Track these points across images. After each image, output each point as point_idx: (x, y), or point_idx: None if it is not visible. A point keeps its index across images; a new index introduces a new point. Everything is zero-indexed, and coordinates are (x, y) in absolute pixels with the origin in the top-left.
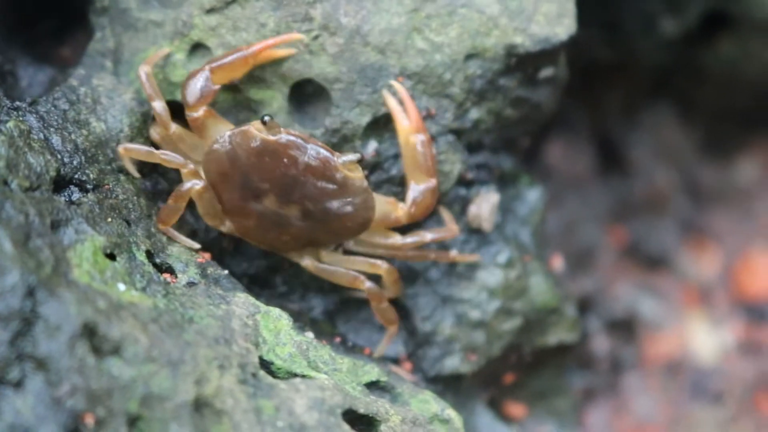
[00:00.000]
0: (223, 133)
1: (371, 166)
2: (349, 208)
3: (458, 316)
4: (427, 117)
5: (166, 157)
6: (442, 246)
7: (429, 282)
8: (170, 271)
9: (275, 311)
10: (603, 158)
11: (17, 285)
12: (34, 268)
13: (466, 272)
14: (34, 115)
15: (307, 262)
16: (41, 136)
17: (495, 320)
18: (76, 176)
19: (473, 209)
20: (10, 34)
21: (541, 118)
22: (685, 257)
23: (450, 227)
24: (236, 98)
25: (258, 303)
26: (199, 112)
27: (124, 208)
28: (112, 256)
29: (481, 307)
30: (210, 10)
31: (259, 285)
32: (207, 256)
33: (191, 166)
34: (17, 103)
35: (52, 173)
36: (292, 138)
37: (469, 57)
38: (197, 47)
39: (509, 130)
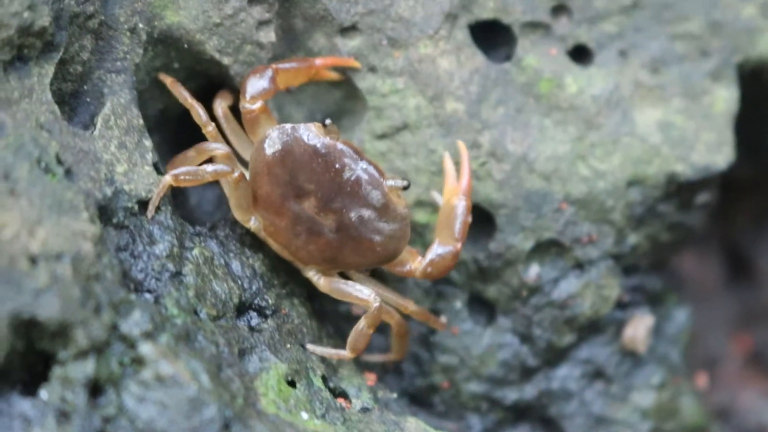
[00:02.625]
0: (283, 125)
1: (532, 290)
2: (383, 233)
3: None
4: (589, 242)
5: (215, 170)
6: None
7: (584, 403)
8: (344, 395)
9: None
10: (731, 267)
11: (215, 418)
12: (229, 400)
13: (620, 393)
14: (215, 240)
15: (321, 280)
16: (222, 261)
17: None
18: (256, 301)
19: (629, 332)
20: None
21: (691, 239)
22: None
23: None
24: None
25: (428, 428)
26: (256, 105)
27: (299, 332)
28: (292, 383)
29: (634, 428)
30: (381, 136)
31: (418, 404)
32: (373, 377)
33: (236, 173)
34: (198, 228)
35: (235, 300)
36: (348, 148)
37: (631, 184)
38: None
39: (662, 253)
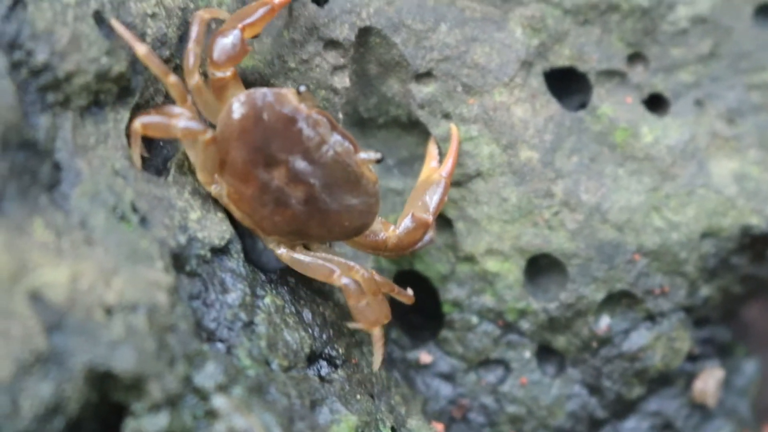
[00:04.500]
0: (257, 88)
1: (602, 342)
2: (353, 207)
3: None
4: (661, 294)
5: (186, 127)
6: None
7: None
8: None
9: None
10: None
11: None
12: None
13: None
14: (286, 287)
15: (283, 251)
16: (293, 309)
17: None
18: (326, 351)
19: (699, 385)
20: None
21: (762, 290)
22: None
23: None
24: (473, 269)
25: None
26: (227, 73)
27: (369, 382)
28: None
29: None
30: (454, 183)
31: None
32: (441, 427)
33: (210, 134)
34: (269, 275)
35: (306, 350)
36: (323, 117)
37: (705, 236)
38: (438, 219)
39: (732, 304)
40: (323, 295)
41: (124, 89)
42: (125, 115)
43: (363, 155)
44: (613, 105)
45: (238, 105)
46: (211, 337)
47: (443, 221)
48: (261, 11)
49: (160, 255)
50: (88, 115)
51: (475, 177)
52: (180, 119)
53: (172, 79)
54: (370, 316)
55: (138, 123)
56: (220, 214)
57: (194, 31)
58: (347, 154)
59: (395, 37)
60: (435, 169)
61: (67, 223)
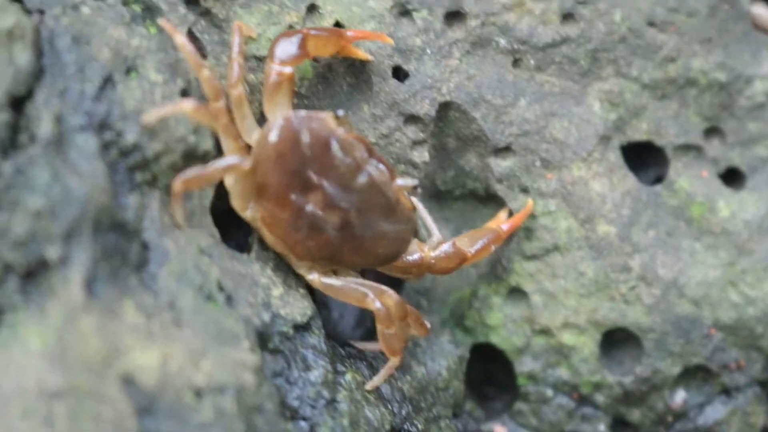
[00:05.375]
0: (297, 110)
1: (677, 416)
2: (388, 233)
3: None
4: (737, 369)
5: (227, 164)
6: None
7: None
8: None
9: None
10: None
11: None
12: None
13: None
14: (364, 363)
15: (314, 277)
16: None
17: None
18: (406, 427)
19: None
20: None
21: None
22: None
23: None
24: (549, 342)
25: None
26: (286, 69)
27: None
28: None
29: None
30: (531, 257)
31: None
32: None
33: (248, 163)
34: (348, 350)
35: (387, 426)
36: (360, 143)
37: None
38: (514, 292)
39: None
40: (400, 369)
41: None
42: (210, 191)
43: (400, 182)
44: (689, 179)
45: (278, 127)
46: (294, 415)
47: (519, 294)
48: (327, 32)
49: (245, 334)
50: None
51: (552, 251)
52: (218, 161)
53: (206, 73)
54: (396, 345)
55: (177, 180)
56: (302, 290)
57: (236, 43)
58: (384, 180)
59: (475, 112)
60: (501, 220)
61: (156, 305)
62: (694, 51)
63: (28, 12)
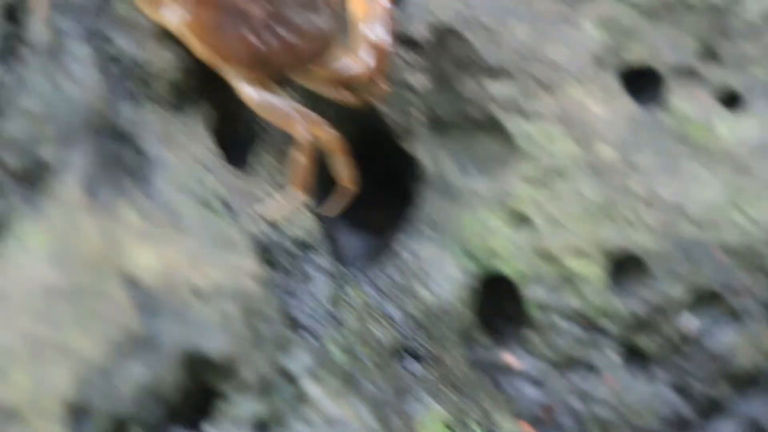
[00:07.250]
0: None
1: (688, 342)
2: (309, 29)
3: None
4: (746, 293)
5: None
6: None
7: None
8: None
9: None
10: None
11: None
12: None
13: None
14: (368, 282)
15: (251, 91)
16: (378, 303)
17: None
18: (412, 345)
19: None
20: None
21: None
22: None
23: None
24: (557, 270)
25: None
26: None
27: (457, 380)
28: (451, 429)
29: None
30: (531, 180)
31: None
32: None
33: None
34: (353, 270)
35: (393, 343)
36: None
37: None
38: (516, 216)
39: None
40: (407, 293)
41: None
42: (207, 107)
43: None
44: (687, 101)
45: None
46: (299, 326)
47: (522, 218)
48: None
49: (248, 244)
50: (174, 108)
51: (553, 174)
52: None
53: None
54: (303, 178)
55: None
56: (308, 213)
57: None
58: None
59: (469, 34)
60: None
61: (155, 209)
62: None
63: None
